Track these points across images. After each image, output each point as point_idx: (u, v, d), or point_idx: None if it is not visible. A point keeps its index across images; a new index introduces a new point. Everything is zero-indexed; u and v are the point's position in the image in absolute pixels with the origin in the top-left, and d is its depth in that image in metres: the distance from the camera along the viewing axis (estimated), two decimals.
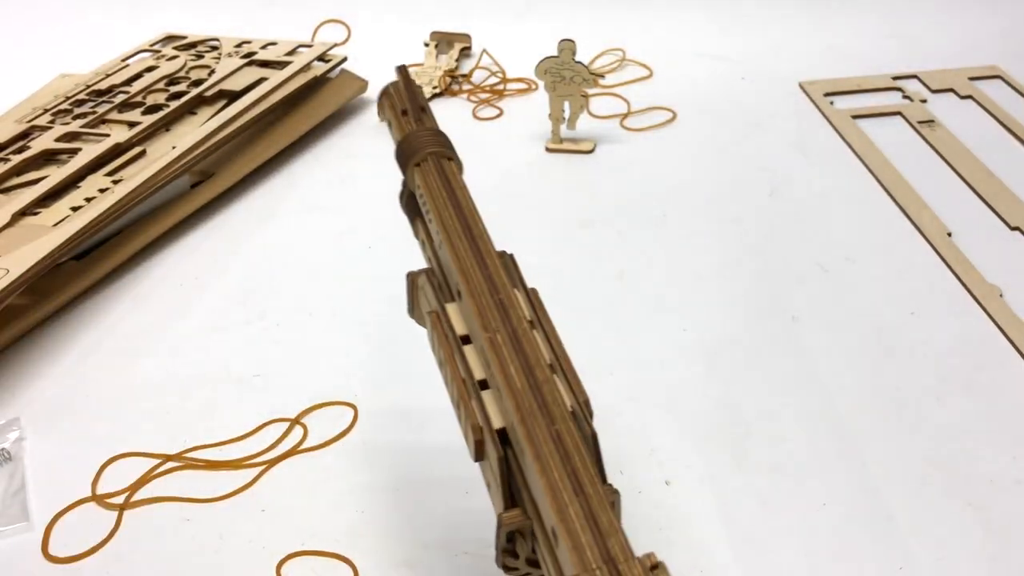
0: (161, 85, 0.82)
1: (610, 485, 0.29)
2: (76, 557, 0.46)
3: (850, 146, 0.79)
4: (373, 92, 0.86)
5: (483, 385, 0.32)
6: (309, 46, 0.87)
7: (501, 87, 0.90)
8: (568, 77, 0.76)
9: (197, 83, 0.81)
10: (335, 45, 0.88)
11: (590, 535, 0.26)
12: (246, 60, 0.84)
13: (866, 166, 0.77)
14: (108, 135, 0.73)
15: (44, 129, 0.76)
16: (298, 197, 0.75)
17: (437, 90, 0.89)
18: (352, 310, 0.63)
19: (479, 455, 0.31)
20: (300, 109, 0.81)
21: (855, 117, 0.83)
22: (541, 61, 0.76)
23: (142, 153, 0.72)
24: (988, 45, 0.94)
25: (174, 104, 0.77)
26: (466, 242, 0.35)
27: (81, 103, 0.80)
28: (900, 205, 0.72)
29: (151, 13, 0.99)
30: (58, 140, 0.74)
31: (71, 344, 0.60)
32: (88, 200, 0.66)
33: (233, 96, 0.79)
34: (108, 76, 0.84)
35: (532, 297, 0.34)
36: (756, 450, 0.51)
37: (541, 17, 0.99)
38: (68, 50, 0.94)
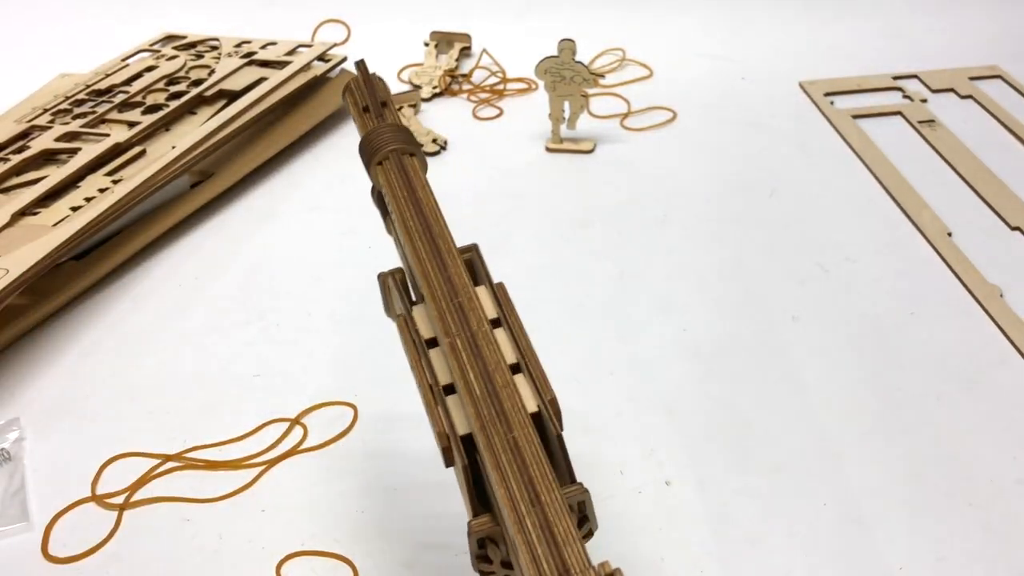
0: (161, 85, 0.81)
1: (580, 484, 0.29)
2: (76, 557, 0.46)
3: (850, 146, 0.79)
4: None
5: (451, 389, 0.32)
6: (309, 46, 0.87)
7: (501, 87, 0.90)
8: (568, 77, 0.76)
9: (197, 83, 0.81)
10: (335, 45, 0.88)
11: (546, 546, 0.26)
12: (246, 60, 0.84)
13: (866, 166, 0.77)
14: (108, 135, 0.73)
15: (44, 129, 0.76)
16: (298, 197, 0.75)
17: (437, 90, 0.89)
18: (352, 310, 0.63)
19: (448, 461, 0.32)
20: (300, 109, 0.81)
21: (855, 117, 0.83)
22: (541, 61, 0.76)
23: (142, 153, 0.72)
24: (988, 45, 0.94)
25: (174, 104, 0.77)
26: (427, 243, 0.35)
27: (81, 103, 0.80)
28: (900, 205, 0.72)
29: (151, 13, 0.99)
30: (58, 140, 0.74)
31: (71, 344, 0.60)
32: (88, 200, 0.66)
33: (233, 96, 0.79)
34: (108, 76, 0.84)
35: (499, 293, 0.34)
36: (756, 450, 0.51)
37: (541, 17, 0.99)
38: (68, 50, 0.94)
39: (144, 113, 0.77)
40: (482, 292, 0.33)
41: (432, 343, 0.33)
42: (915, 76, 0.89)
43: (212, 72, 0.82)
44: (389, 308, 0.37)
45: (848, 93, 0.87)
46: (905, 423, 0.53)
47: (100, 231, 0.65)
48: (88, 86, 0.82)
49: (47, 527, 0.48)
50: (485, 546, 0.31)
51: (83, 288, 0.64)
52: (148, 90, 0.81)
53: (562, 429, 0.30)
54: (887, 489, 0.49)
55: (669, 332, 0.60)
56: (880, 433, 0.52)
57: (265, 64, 0.84)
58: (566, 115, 0.79)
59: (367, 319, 0.62)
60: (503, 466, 0.28)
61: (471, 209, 0.73)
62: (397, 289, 0.35)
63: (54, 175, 0.68)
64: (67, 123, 0.76)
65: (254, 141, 0.77)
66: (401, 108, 0.84)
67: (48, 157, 0.72)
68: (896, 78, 0.89)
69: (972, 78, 0.89)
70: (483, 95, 0.89)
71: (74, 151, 0.72)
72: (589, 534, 0.29)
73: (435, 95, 0.89)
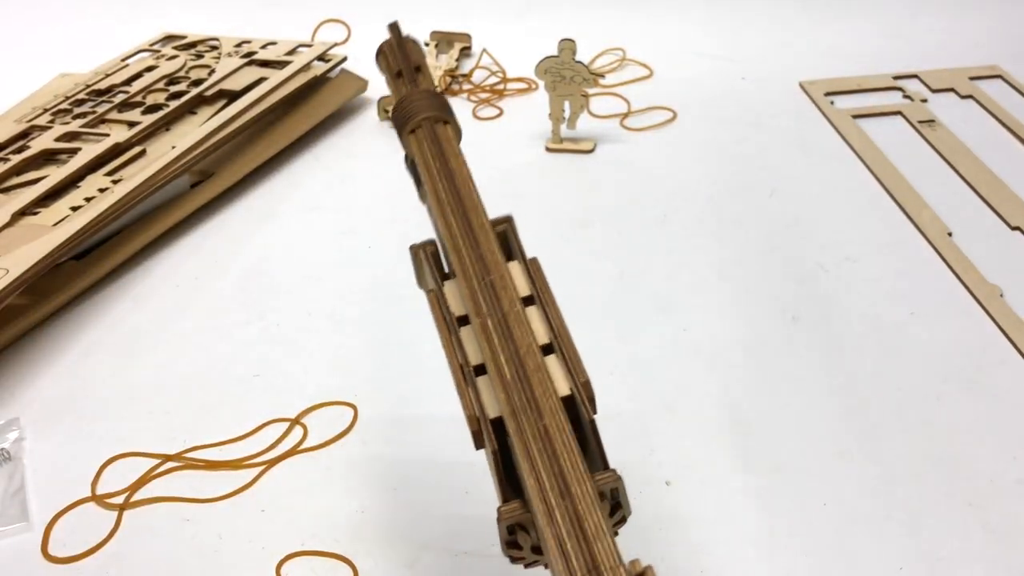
0: (161, 85, 0.81)
1: (613, 471, 0.28)
2: (76, 557, 0.46)
3: (850, 146, 0.79)
4: (373, 92, 0.86)
5: (483, 368, 0.30)
6: (309, 46, 0.87)
7: (501, 87, 0.90)
8: (568, 77, 0.76)
9: (197, 83, 0.81)
10: (335, 45, 0.88)
11: (576, 540, 0.25)
12: (246, 60, 0.84)
13: (866, 166, 0.77)
14: (108, 135, 0.73)
15: (44, 129, 0.76)
16: (298, 197, 0.75)
17: (438, 90, 0.89)
18: (352, 310, 0.63)
19: (478, 444, 0.30)
20: (300, 109, 0.81)
21: (855, 117, 0.83)
22: (541, 61, 0.76)
23: (142, 153, 0.72)
24: (988, 45, 0.94)
25: (174, 104, 0.77)
26: (459, 217, 0.33)
27: (81, 103, 0.80)
28: (900, 205, 0.72)
29: (151, 13, 0.99)
30: (58, 140, 0.74)
31: (71, 344, 0.60)
32: (88, 200, 0.65)
33: (233, 96, 0.79)
34: (108, 76, 0.84)
35: (532, 268, 0.32)
36: (756, 450, 0.51)
37: (541, 17, 0.99)
38: (68, 50, 0.94)
39: (144, 113, 0.77)
40: (515, 268, 0.32)
41: (464, 321, 0.32)
42: (915, 76, 0.89)
43: (212, 72, 0.82)
44: (421, 280, 0.36)
45: (848, 93, 0.87)
46: (905, 423, 0.53)
47: (100, 231, 0.65)
48: (88, 86, 0.82)
49: (47, 527, 0.48)
50: (515, 532, 0.30)
51: (83, 288, 0.64)
52: (148, 90, 0.81)
53: (595, 413, 0.29)
54: (887, 489, 0.49)
55: (669, 332, 0.60)
56: (880, 433, 0.52)
57: (265, 64, 0.84)
58: (566, 115, 0.79)
59: (367, 319, 0.62)
60: (533, 455, 0.27)
61: None
62: (428, 263, 0.34)
63: (54, 175, 0.68)
64: (67, 123, 0.76)
65: (254, 141, 0.77)
66: None
67: (48, 157, 0.72)
68: (896, 78, 0.89)
69: (972, 78, 0.89)
70: (483, 95, 0.89)
71: (74, 151, 0.72)
72: (622, 521, 0.28)
73: None
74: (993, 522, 0.47)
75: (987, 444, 0.51)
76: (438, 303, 0.32)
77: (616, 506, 0.28)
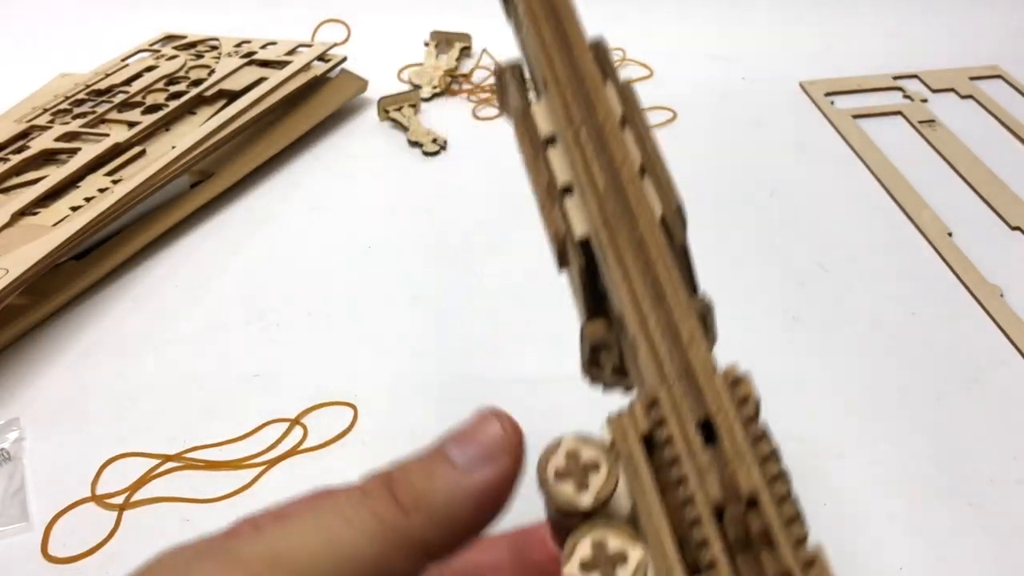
0: (161, 85, 0.81)
1: (701, 298, 0.28)
2: (76, 557, 0.46)
3: (850, 146, 0.79)
4: (373, 92, 0.86)
5: (568, 191, 0.30)
6: (309, 46, 0.87)
7: None
8: None
9: (197, 83, 0.81)
10: (335, 45, 0.88)
11: (669, 347, 0.25)
12: (246, 60, 0.84)
13: (866, 166, 0.77)
14: (108, 135, 0.73)
15: (43, 129, 0.75)
16: (298, 197, 0.75)
17: (437, 90, 0.89)
18: (352, 310, 0.63)
19: (562, 263, 0.30)
20: (300, 109, 0.81)
21: (856, 117, 0.83)
22: None
23: (142, 153, 0.72)
24: (989, 45, 0.94)
25: (174, 104, 0.77)
26: (552, 27, 0.32)
27: (81, 103, 0.80)
28: (901, 205, 0.72)
29: (151, 13, 0.99)
30: (57, 140, 0.74)
31: (71, 344, 0.60)
32: (88, 200, 0.65)
33: (233, 96, 0.79)
34: (108, 76, 0.84)
35: (625, 92, 0.31)
36: None
37: None
38: (67, 50, 0.94)
39: (144, 113, 0.77)
40: (608, 90, 0.31)
41: (550, 142, 0.31)
42: (915, 76, 0.89)
43: (212, 72, 0.82)
44: (505, 105, 0.35)
45: (848, 93, 0.87)
46: (905, 423, 0.53)
47: (100, 231, 0.65)
48: (88, 86, 0.82)
49: (47, 527, 0.48)
50: (598, 351, 0.30)
51: (83, 288, 0.64)
52: (148, 90, 0.81)
53: (687, 238, 0.28)
54: (887, 489, 0.49)
55: None
56: (880, 433, 0.52)
57: (265, 64, 0.84)
58: None
59: (367, 319, 0.62)
60: (626, 263, 0.27)
61: (471, 209, 0.73)
62: (515, 82, 0.33)
63: (54, 175, 0.68)
64: (67, 123, 0.76)
65: (254, 141, 0.77)
66: (401, 108, 0.84)
67: (48, 157, 0.72)
68: (896, 78, 0.89)
69: (973, 78, 0.89)
70: (483, 95, 0.89)
71: (74, 151, 0.71)
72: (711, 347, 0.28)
73: (435, 95, 0.89)
74: (994, 522, 0.47)
75: (987, 444, 0.51)
76: (524, 122, 0.31)
77: (704, 331, 0.27)
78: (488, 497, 0.20)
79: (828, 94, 0.87)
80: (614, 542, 0.23)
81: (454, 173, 0.78)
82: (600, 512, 0.24)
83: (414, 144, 0.81)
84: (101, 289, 0.65)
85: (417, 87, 0.90)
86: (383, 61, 0.92)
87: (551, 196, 0.30)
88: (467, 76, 0.92)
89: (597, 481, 0.24)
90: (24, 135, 0.75)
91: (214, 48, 0.89)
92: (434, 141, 0.80)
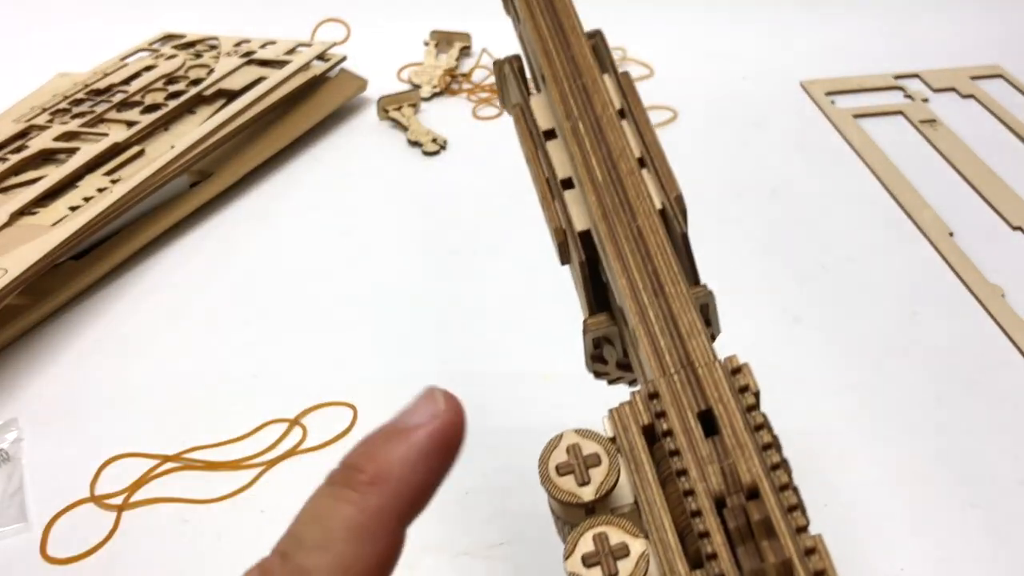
0: (160, 84, 0.81)
1: (704, 287, 0.28)
2: (74, 558, 0.46)
3: (851, 145, 0.79)
4: (373, 91, 0.86)
5: (569, 185, 0.30)
6: (308, 45, 0.87)
7: None
8: None
9: (196, 82, 0.81)
10: (334, 44, 0.88)
11: (669, 338, 0.25)
12: (245, 59, 0.84)
13: (867, 165, 0.76)
14: (107, 134, 0.73)
15: (42, 128, 0.75)
16: (297, 197, 0.75)
17: (437, 89, 0.89)
18: (352, 310, 0.62)
19: (564, 258, 0.30)
20: (299, 108, 0.81)
21: (856, 116, 0.83)
22: None
23: (141, 152, 0.71)
24: (990, 44, 0.94)
25: (173, 103, 0.77)
26: (550, 19, 0.32)
27: (79, 102, 0.79)
28: (901, 205, 0.71)
29: (150, 12, 0.99)
30: (56, 139, 0.73)
31: (69, 344, 0.60)
32: (87, 200, 0.65)
33: (232, 95, 0.78)
34: (107, 75, 0.83)
35: (623, 82, 0.31)
36: None
37: None
38: (66, 49, 0.93)
39: (143, 113, 0.76)
40: (606, 81, 0.31)
41: (550, 135, 0.31)
42: (916, 75, 0.89)
43: (211, 71, 0.82)
44: (505, 100, 0.35)
45: (849, 92, 0.87)
46: (906, 423, 0.53)
47: (99, 231, 0.64)
48: (87, 85, 0.82)
49: (46, 528, 0.48)
50: (601, 346, 0.30)
51: (82, 288, 0.64)
52: (147, 89, 0.80)
53: (687, 227, 0.28)
54: (888, 489, 0.49)
55: None
56: (881, 433, 0.52)
57: (264, 63, 0.84)
58: None
59: (367, 319, 0.62)
60: (625, 255, 0.27)
61: (471, 209, 0.73)
62: (514, 76, 0.33)
63: (53, 175, 0.68)
64: (66, 123, 0.76)
65: (253, 141, 0.77)
66: (401, 108, 0.84)
67: (47, 157, 0.72)
68: (897, 77, 0.89)
69: (973, 77, 0.89)
70: (483, 94, 0.89)
71: (73, 151, 0.71)
72: (711, 338, 0.28)
73: (435, 95, 0.88)
74: (995, 523, 0.47)
75: (989, 445, 0.51)
76: (523, 117, 0.31)
77: (706, 323, 0.28)
78: (439, 445, 0.22)
79: (829, 93, 0.87)
80: (616, 536, 0.23)
81: (454, 173, 0.78)
82: (601, 506, 0.24)
83: (414, 144, 0.81)
84: (100, 289, 0.65)
85: (417, 87, 0.89)
86: (383, 61, 0.91)
87: (551, 190, 0.30)
88: (467, 76, 0.92)
89: (598, 475, 0.24)
90: (23, 135, 0.75)
91: (213, 47, 0.89)
92: (434, 141, 0.80)
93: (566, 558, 0.23)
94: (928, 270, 0.65)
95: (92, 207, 0.64)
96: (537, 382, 0.55)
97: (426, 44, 0.95)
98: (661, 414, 0.24)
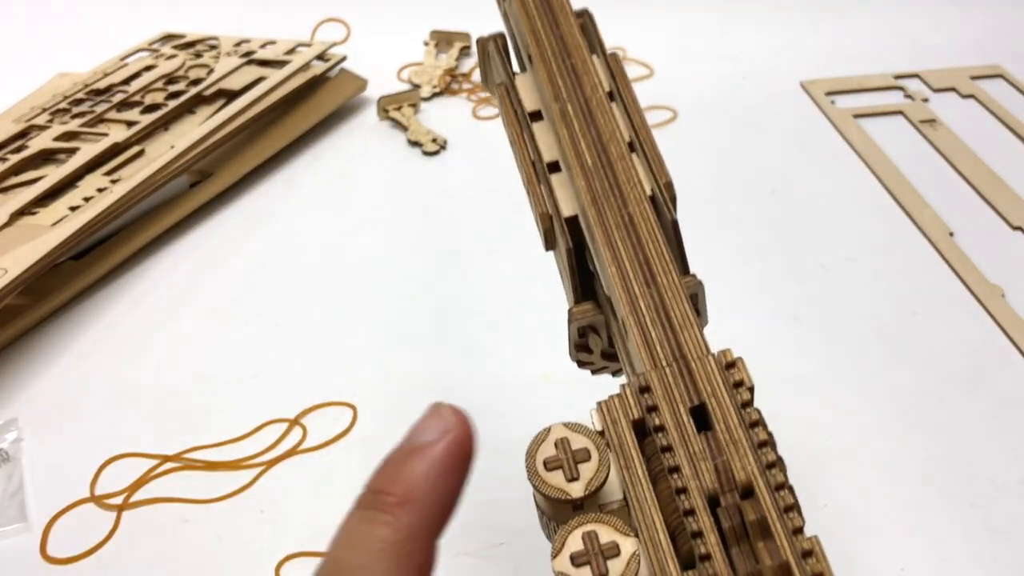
0: (160, 84, 0.81)
1: (693, 276, 0.27)
2: (74, 558, 0.46)
3: (851, 145, 0.79)
4: (373, 91, 0.86)
5: (555, 168, 0.29)
6: (308, 45, 0.87)
7: None
8: None
9: (196, 82, 0.81)
10: (334, 44, 0.88)
11: (661, 330, 0.24)
12: (245, 59, 0.84)
13: (867, 165, 0.76)
14: (106, 134, 0.73)
15: (42, 128, 0.75)
16: (297, 197, 0.75)
17: (437, 89, 0.89)
18: (352, 310, 0.62)
19: (549, 244, 0.29)
20: (299, 108, 0.81)
21: (856, 116, 0.83)
22: None
23: (141, 152, 0.71)
24: (990, 44, 0.94)
25: (173, 103, 0.77)
26: None
27: (79, 102, 0.79)
28: (901, 205, 0.71)
29: (150, 12, 0.99)
30: (56, 139, 0.73)
31: (69, 344, 0.60)
32: (86, 200, 0.65)
33: (232, 95, 0.78)
34: (106, 75, 0.83)
35: (613, 65, 0.30)
36: None
37: None
38: (66, 49, 0.93)
39: (143, 112, 0.76)
40: (595, 62, 0.30)
41: (535, 117, 0.30)
42: (916, 75, 0.89)
43: (211, 71, 0.82)
44: (488, 80, 0.34)
45: (849, 92, 0.87)
46: (906, 423, 0.53)
47: (99, 231, 0.64)
48: (87, 85, 0.82)
49: (45, 528, 0.48)
50: (586, 335, 0.29)
51: (82, 288, 0.64)
52: (147, 89, 0.80)
53: (676, 214, 0.27)
54: (888, 489, 0.49)
55: None
56: (881, 433, 0.52)
57: (264, 63, 0.84)
58: None
59: (367, 319, 0.62)
60: (615, 243, 0.26)
61: (471, 209, 0.73)
62: (499, 54, 0.32)
63: (52, 175, 0.68)
64: (66, 122, 0.76)
65: (253, 141, 0.77)
66: (401, 108, 0.84)
67: (46, 157, 0.72)
68: (897, 77, 0.89)
69: (973, 77, 0.89)
70: (483, 95, 0.89)
71: (73, 151, 0.71)
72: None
73: (435, 94, 0.88)
74: (995, 523, 0.47)
75: (989, 444, 0.51)
76: (508, 96, 0.30)
77: (695, 313, 0.27)
78: (455, 459, 0.23)
79: (829, 93, 0.87)
80: (606, 534, 0.22)
81: (454, 173, 0.78)
82: (590, 502, 0.23)
83: (414, 144, 0.81)
84: (100, 289, 0.65)
85: (417, 87, 0.89)
86: (383, 60, 0.91)
87: (537, 173, 0.29)
88: (467, 75, 0.92)
89: (588, 471, 0.23)
90: (23, 135, 0.75)
91: (213, 47, 0.89)
92: (434, 141, 0.80)
93: (553, 557, 0.22)
94: (928, 270, 0.65)
95: (92, 207, 0.64)
96: (537, 382, 0.55)
97: (426, 44, 0.95)
98: (652, 408, 0.23)
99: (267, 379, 0.57)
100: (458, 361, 0.58)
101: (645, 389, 0.24)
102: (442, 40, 0.95)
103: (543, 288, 0.64)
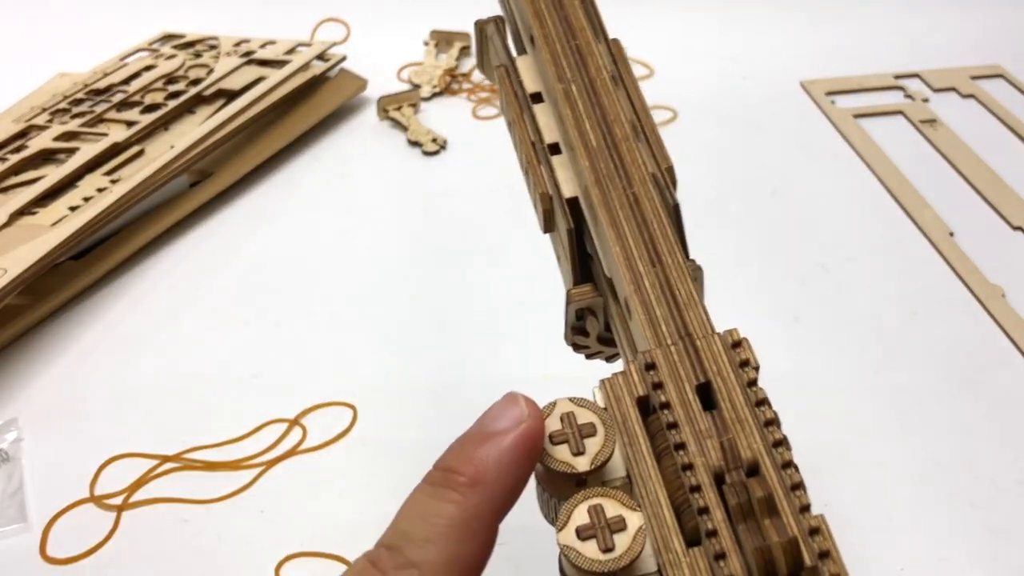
0: (159, 84, 0.81)
1: (693, 261, 0.27)
2: (74, 558, 0.46)
3: (851, 145, 0.79)
4: (373, 91, 0.86)
5: (556, 150, 0.29)
6: (308, 45, 0.87)
7: None
8: None
9: (196, 82, 0.81)
10: (334, 44, 0.88)
11: (666, 308, 0.24)
12: (245, 59, 0.84)
13: (867, 165, 0.76)
14: (106, 134, 0.73)
15: (42, 128, 0.75)
16: (297, 197, 0.75)
17: (437, 89, 0.89)
18: (352, 310, 0.62)
19: (548, 226, 0.29)
20: (299, 108, 0.81)
21: (857, 116, 0.83)
22: None
23: (140, 152, 0.71)
24: (990, 44, 0.94)
25: (172, 103, 0.77)
26: None
27: (79, 102, 0.79)
28: (902, 205, 0.71)
29: (150, 12, 0.99)
30: (56, 139, 0.73)
31: (69, 344, 0.60)
32: (86, 200, 0.65)
33: (232, 95, 0.78)
34: (106, 75, 0.83)
35: (614, 49, 0.30)
36: None
37: None
38: (66, 49, 0.93)
39: (143, 112, 0.76)
40: (598, 46, 0.30)
41: (536, 99, 0.30)
42: (917, 75, 0.89)
43: (211, 71, 0.82)
44: (485, 64, 0.33)
45: (849, 92, 0.87)
46: (906, 423, 0.53)
47: (99, 231, 0.64)
48: (86, 85, 0.82)
49: (45, 528, 0.48)
50: (584, 317, 0.29)
51: (81, 288, 0.64)
52: (147, 89, 0.80)
53: (677, 200, 0.27)
54: (888, 490, 0.49)
55: None
56: (881, 433, 0.52)
57: (264, 63, 0.84)
58: None
59: (367, 319, 0.62)
60: (620, 222, 0.26)
61: (471, 209, 0.73)
62: (499, 35, 0.32)
63: (52, 175, 0.68)
64: (65, 122, 0.76)
65: (253, 141, 0.77)
66: (401, 107, 0.84)
67: (46, 157, 0.72)
68: (898, 77, 0.89)
69: (974, 77, 0.89)
70: (483, 94, 0.89)
71: (72, 151, 0.71)
72: None
73: (435, 94, 0.88)
74: (995, 523, 0.47)
75: (989, 445, 0.51)
76: (508, 78, 0.30)
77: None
78: (527, 449, 0.23)
79: (829, 93, 0.87)
80: (612, 508, 0.22)
81: (454, 173, 0.78)
82: (593, 478, 0.23)
83: (414, 144, 0.81)
84: (100, 289, 0.65)
85: (417, 86, 0.89)
86: (383, 60, 0.91)
87: (537, 154, 0.29)
88: (467, 75, 0.92)
89: (594, 445, 0.23)
90: (22, 135, 0.75)
91: (213, 47, 0.89)
92: (434, 141, 0.80)
93: (559, 530, 0.22)
94: (928, 270, 0.65)
95: (92, 207, 0.64)
96: (537, 382, 0.55)
97: (426, 44, 0.95)
98: (658, 385, 0.23)
99: (267, 379, 0.57)
100: (458, 361, 0.58)
101: (651, 366, 0.23)
102: (442, 40, 0.95)
103: (543, 288, 0.64)
